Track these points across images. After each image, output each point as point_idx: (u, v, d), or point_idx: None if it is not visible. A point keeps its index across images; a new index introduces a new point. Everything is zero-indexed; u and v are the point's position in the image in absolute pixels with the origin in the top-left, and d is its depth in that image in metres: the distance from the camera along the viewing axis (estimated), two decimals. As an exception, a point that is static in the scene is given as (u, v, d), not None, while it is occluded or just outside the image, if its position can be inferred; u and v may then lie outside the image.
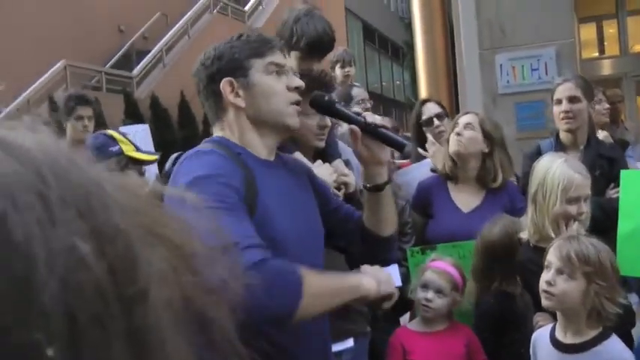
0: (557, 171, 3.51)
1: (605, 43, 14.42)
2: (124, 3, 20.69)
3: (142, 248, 0.57)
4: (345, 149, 3.89)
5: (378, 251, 2.82)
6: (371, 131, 2.56)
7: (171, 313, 0.59)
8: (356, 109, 5.11)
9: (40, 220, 0.52)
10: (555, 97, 4.58)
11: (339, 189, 3.28)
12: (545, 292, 3.06)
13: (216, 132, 2.61)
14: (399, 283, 4.13)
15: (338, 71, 6.92)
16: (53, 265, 0.52)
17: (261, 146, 2.55)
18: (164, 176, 4.62)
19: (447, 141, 4.39)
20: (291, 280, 2.13)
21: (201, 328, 0.63)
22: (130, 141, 3.77)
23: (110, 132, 3.83)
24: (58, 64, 16.82)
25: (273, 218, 2.36)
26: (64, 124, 6.35)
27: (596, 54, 14.36)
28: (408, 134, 6.29)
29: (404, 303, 4.08)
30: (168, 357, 0.58)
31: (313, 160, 3.36)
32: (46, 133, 0.61)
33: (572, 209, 3.46)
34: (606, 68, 13.73)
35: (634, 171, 4.33)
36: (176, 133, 16.62)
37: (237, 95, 2.51)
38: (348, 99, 5.74)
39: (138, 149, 3.72)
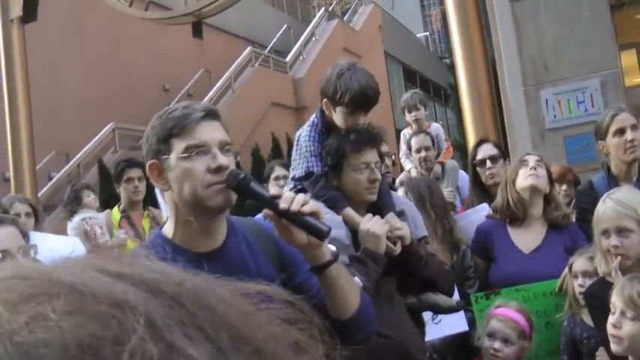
0: (597, 207, 3.50)
1: (648, 69, 14.25)
2: (168, 62, 21.10)
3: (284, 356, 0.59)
4: (399, 199, 3.88)
5: (342, 334, 2.41)
6: (287, 218, 2.33)
7: None
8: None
9: (214, 353, 0.54)
10: (615, 128, 4.38)
11: (394, 243, 3.27)
12: (613, 335, 3.00)
13: None
14: (466, 328, 4.12)
15: (407, 117, 7.01)
16: None
17: (194, 233, 2.43)
18: None
19: (512, 182, 4.34)
20: None
21: None
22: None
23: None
24: (107, 127, 17.18)
25: None
26: (117, 189, 6.47)
27: (639, 80, 14.18)
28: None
29: (471, 349, 4.06)
30: None
31: (366, 213, 3.36)
32: (161, 261, 0.64)
33: (605, 242, 3.39)
34: (651, 94, 13.54)
35: None
36: (226, 186, 16.74)
37: (160, 178, 2.41)
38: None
39: None
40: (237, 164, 3.03)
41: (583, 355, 3.72)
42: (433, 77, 37.07)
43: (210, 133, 2.39)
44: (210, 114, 2.43)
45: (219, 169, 2.34)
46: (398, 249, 3.24)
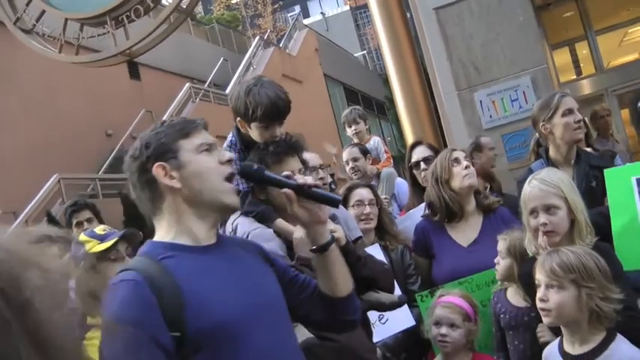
0: (523, 188, 3.62)
1: (581, 65, 14.58)
2: (108, 107, 20.98)
3: (22, 271, 0.80)
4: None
5: (339, 314, 2.76)
6: (304, 193, 2.56)
7: (59, 313, 0.86)
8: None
9: None
10: (565, 108, 4.53)
11: None
12: (542, 309, 3.10)
13: (157, 229, 2.55)
14: (413, 323, 4.17)
15: (348, 131, 7.17)
16: None
17: (200, 229, 2.50)
18: None
19: (446, 181, 4.42)
20: None
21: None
22: (95, 235, 3.82)
23: (80, 238, 3.90)
24: (52, 179, 16.90)
25: (211, 307, 2.31)
26: (71, 236, 6.40)
27: (574, 76, 14.49)
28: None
29: (423, 343, 4.12)
30: (61, 347, 0.85)
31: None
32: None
33: (533, 222, 3.51)
34: (586, 88, 13.86)
35: (616, 168, 4.35)
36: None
37: (171, 178, 2.46)
38: None
39: (103, 239, 3.77)
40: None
41: (502, 328, 3.87)
42: (375, 94, 37.38)
43: (210, 137, 2.60)
44: (206, 127, 2.62)
45: (229, 162, 2.55)
46: None
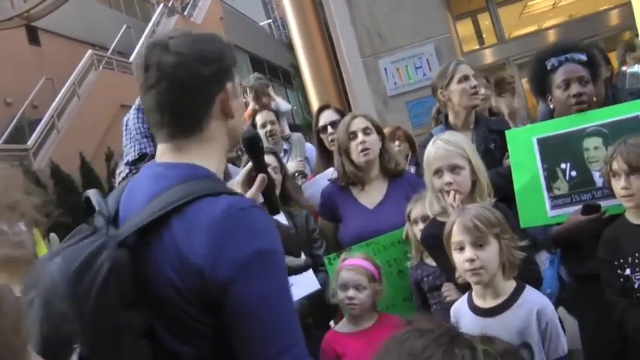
0: (426, 149, 3.69)
1: (484, 35, 14.94)
2: (6, 74, 20.28)
3: None
4: (236, 170, 3.90)
5: None
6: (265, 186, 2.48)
7: None
8: None
9: None
10: (460, 75, 4.66)
11: None
12: (471, 269, 3.07)
13: (178, 152, 2.12)
14: (318, 286, 4.21)
15: (252, 103, 7.16)
16: None
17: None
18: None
19: (345, 151, 4.47)
20: None
21: None
22: None
23: None
24: (-52, 153, 16.34)
25: None
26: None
27: (477, 46, 14.84)
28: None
29: (329, 308, 4.15)
30: None
31: None
32: None
33: (438, 182, 3.58)
34: (488, 57, 14.23)
35: (517, 129, 4.56)
36: (83, 196, 16.19)
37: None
38: None
39: None
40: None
41: (426, 292, 3.91)
42: (281, 63, 37.23)
43: None
44: None
45: None
46: None
